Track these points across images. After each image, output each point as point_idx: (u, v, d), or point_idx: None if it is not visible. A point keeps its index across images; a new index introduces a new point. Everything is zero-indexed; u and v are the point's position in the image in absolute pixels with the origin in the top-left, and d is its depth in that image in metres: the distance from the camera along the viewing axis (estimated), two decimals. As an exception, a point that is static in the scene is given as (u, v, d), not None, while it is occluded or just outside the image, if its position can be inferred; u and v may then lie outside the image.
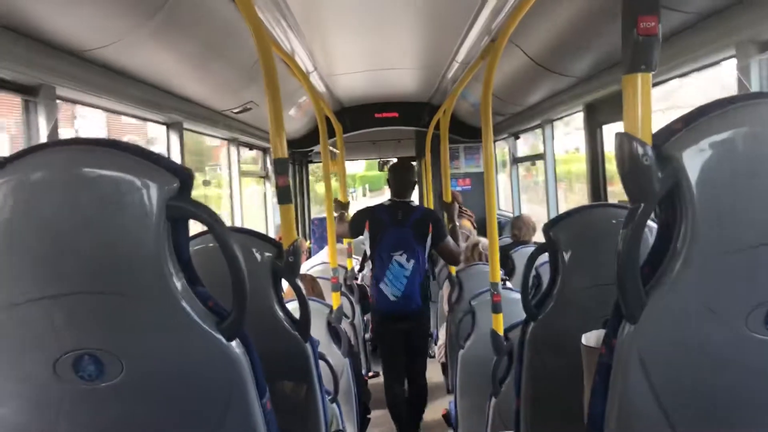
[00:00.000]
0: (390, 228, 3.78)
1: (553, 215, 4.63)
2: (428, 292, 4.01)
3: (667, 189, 0.99)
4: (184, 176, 1.07)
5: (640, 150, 0.98)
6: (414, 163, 5.35)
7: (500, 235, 4.69)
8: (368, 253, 3.97)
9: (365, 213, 3.95)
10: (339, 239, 4.37)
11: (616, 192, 3.66)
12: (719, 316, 1.01)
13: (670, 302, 1.02)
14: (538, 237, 4.24)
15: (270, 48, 1.86)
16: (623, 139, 0.99)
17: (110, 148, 1.06)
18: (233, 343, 1.12)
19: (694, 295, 1.02)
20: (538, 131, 4.91)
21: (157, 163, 1.07)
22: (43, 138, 2.32)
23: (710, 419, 1.06)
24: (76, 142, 1.08)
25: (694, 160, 0.99)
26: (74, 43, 2.31)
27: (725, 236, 1.00)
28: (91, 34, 2.33)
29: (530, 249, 3.92)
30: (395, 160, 8.60)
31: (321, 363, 2.03)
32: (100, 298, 1.06)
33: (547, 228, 1.81)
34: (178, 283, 1.08)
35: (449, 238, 3.87)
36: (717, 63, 2.39)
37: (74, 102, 2.74)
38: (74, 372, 1.07)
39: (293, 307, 1.88)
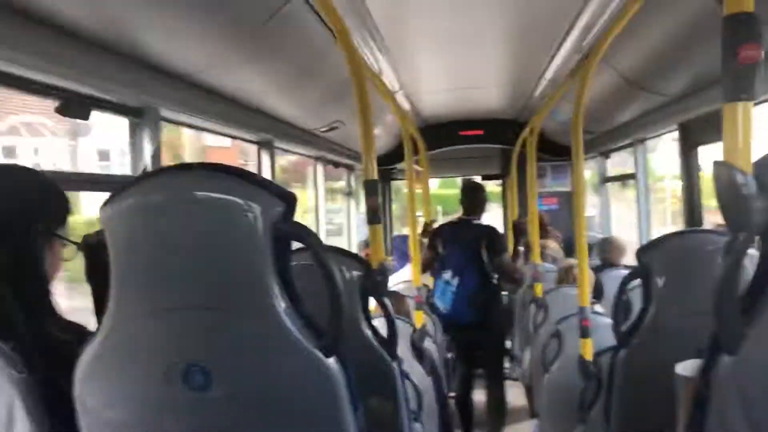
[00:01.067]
0: (449, 248, 4.03)
1: (644, 239, 4.48)
2: (489, 306, 4.10)
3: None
4: (288, 200, 1.14)
5: (740, 179, 0.96)
6: (483, 183, 5.35)
7: (589, 257, 4.57)
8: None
9: (436, 232, 4.22)
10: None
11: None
12: None
13: None
14: (628, 260, 4.11)
15: (362, 70, 1.92)
16: (722, 168, 0.97)
17: (221, 173, 1.14)
18: (331, 360, 1.17)
19: None
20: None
21: (265, 187, 1.14)
22: (147, 158, 2.47)
23: None
24: (191, 167, 1.17)
25: None
26: (177, 67, 2.45)
27: None
28: (192, 58, 2.47)
29: (619, 272, 3.83)
30: (479, 178, 8.59)
31: (406, 382, 2.05)
32: (209, 313, 1.14)
33: (641, 253, 1.77)
34: (282, 302, 1.13)
35: (505, 256, 4.05)
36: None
37: (176, 123, 2.90)
38: (183, 382, 1.15)
39: (380, 324, 1.91)
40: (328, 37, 2.90)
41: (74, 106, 2.10)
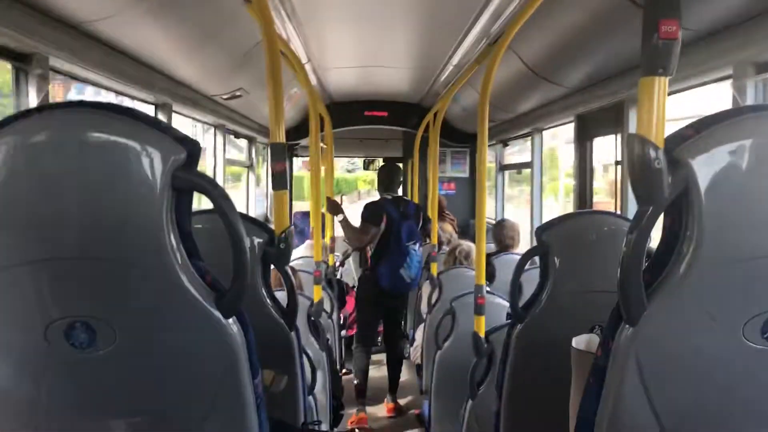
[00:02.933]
0: (401, 221, 4.38)
1: (537, 223, 4.66)
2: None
3: (676, 194, 0.99)
4: (191, 147, 1.05)
5: (652, 153, 0.98)
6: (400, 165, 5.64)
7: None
8: (373, 243, 4.45)
9: (379, 206, 4.45)
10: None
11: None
12: (718, 324, 1.02)
13: (671, 306, 1.03)
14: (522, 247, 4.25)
15: (274, 33, 1.84)
16: (636, 141, 0.99)
17: (117, 114, 1.04)
18: (230, 321, 1.10)
19: (695, 301, 1.02)
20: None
21: (165, 131, 1.05)
22: (32, 109, 2.27)
23: (701, 425, 1.07)
24: (82, 104, 1.06)
25: (703, 167, 0.99)
26: (71, 14, 2.27)
27: (729, 245, 1.01)
28: (89, 6, 2.29)
29: (510, 257, 3.96)
30: (381, 160, 8.63)
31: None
32: (95, 264, 1.04)
33: (540, 231, 1.82)
34: (178, 255, 1.05)
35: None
36: (713, 82, 2.42)
37: (66, 75, 2.69)
38: (66, 339, 1.05)
39: (280, 296, 1.86)
40: (237, 1, 2.78)
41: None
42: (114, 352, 1.06)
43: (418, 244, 4.43)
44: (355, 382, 4.59)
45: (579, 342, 1.42)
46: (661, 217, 1.04)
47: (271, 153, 1.78)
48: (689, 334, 1.03)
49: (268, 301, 1.76)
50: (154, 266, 1.05)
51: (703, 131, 1.01)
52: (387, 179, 4.57)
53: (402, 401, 4.85)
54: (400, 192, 4.96)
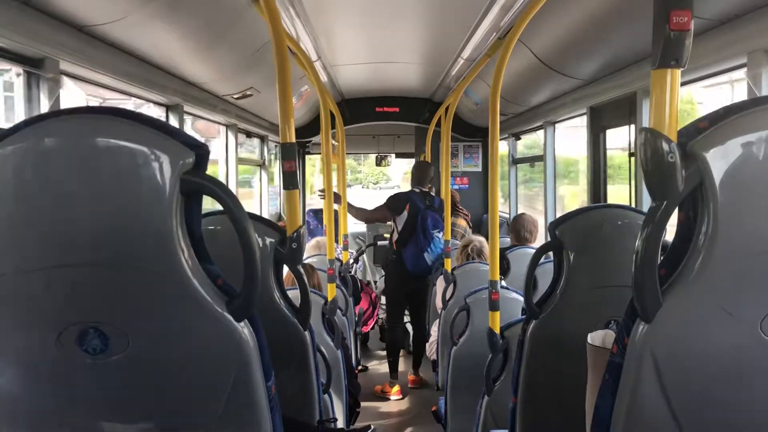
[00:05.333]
0: (427, 211, 4.90)
1: (551, 218, 4.63)
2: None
3: (691, 188, 0.98)
4: (199, 150, 1.05)
5: (666, 147, 0.96)
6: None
7: (497, 234, 4.68)
8: (398, 229, 4.97)
9: (405, 196, 5.01)
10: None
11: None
12: (734, 319, 1.00)
13: (686, 302, 1.01)
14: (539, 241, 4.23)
15: (282, 31, 1.83)
16: (648, 135, 0.98)
17: (125, 119, 1.04)
18: (241, 324, 1.10)
19: (711, 297, 1.01)
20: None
21: (173, 136, 1.04)
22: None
23: (717, 421, 1.05)
24: (91, 110, 1.06)
25: (718, 160, 0.97)
26: (80, 18, 2.28)
27: (745, 239, 0.99)
28: (97, 10, 2.30)
29: (525, 251, 3.93)
30: (393, 155, 8.61)
31: (317, 354, 2.01)
32: (108, 270, 1.04)
33: (553, 227, 1.80)
34: (189, 259, 1.05)
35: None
36: (728, 71, 2.38)
37: (77, 78, 2.70)
38: (78, 345, 1.05)
39: (293, 295, 1.85)
40: (245, 1, 2.78)
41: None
42: (127, 357, 1.06)
43: (441, 233, 4.88)
44: (390, 359, 5.14)
45: (594, 338, 1.41)
46: (676, 211, 1.03)
47: (282, 153, 1.77)
48: (706, 330, 1.02)
49: (281, 300, 1.76)
50: (165, 271, 1.05)
51: (718, 123, 0.99)
52: (418, 174, 5.13)
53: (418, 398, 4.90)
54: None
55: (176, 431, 1.13)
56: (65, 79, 2.54)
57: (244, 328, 1.10)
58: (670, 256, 1.04)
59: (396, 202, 4.98)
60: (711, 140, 0.98)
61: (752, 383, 1.04)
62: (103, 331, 1.05)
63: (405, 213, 4.91)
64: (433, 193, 5.22)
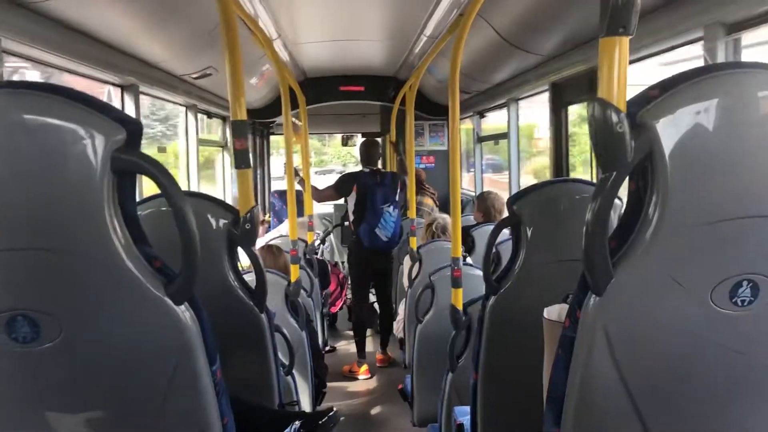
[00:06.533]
0: (376, 188, 4.97)
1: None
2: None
3: (640, 158, 0.96)
4: (131, 127, 1.00)
5: (615, 117, 0.95)
6: (378, 140, 5.82)
7: (463, 212, 4.69)
8: (351, 210, 5.08)
9: (352, 177, 5.13)
10: (300, 213, 4.99)
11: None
12: (685, 290, 1.00)
13: (637, 274, 1.00)
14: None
15: (231, 5, 1.77)
16: (597, 105, 0.96)
17: (52, 94, 0.98)
18: (182, 308, 1.06)
19: (661, 268, 1.00)
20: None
21: (103, 112, 0.99)
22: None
23: (670, 393, 1.05)
24: (14, 85, 1.00)
25: (668, 129, 0.96)
26: (23, -7, 2.18)
27: (695, 209, 0.98)
28: (40, -16, 2.20)
29: (491, 227, 3.93)
30: (359, 135, 8.56)
31: (277, 335, 1.98)
32: (37, 254, 0.99)
33: (511, 202, 1.79)
34: (122, 241, 1.01)
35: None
36: (684, 45, 2.38)
37: (22, 57, 2.59)
38: (7, 334, 1.00)
39: (252, 278, 1.82)
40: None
41: None
42: (59, 345, 1.02)
43: (392, 207, 4.98)
44: (357, 339, 5.18)
45: (551, 312, 1.40)
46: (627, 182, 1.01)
47: (233, 130, 1.72)
48: (657, 301, 1.01)
49: (235, 283, 1.72)
50: (98, 253, 1.00)
51: (668, 92, 0.98)
52: (366, 153, 5.17)
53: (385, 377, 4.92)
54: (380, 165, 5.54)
55: (117, 418, 1.09)
56: (11, 60, 2.44)
57: (185, 312, 1.06)
58: (620, 228, 1.03)
59: (343, 183, 5.12)
60: (661, 109, 0.97)
61: (703, 354, 1.04)
62: (33, 319, 1.00)
63: (354, 193, 5.02)
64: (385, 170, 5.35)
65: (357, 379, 5.03)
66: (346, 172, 5.50)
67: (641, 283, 1.01)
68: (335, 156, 27.41)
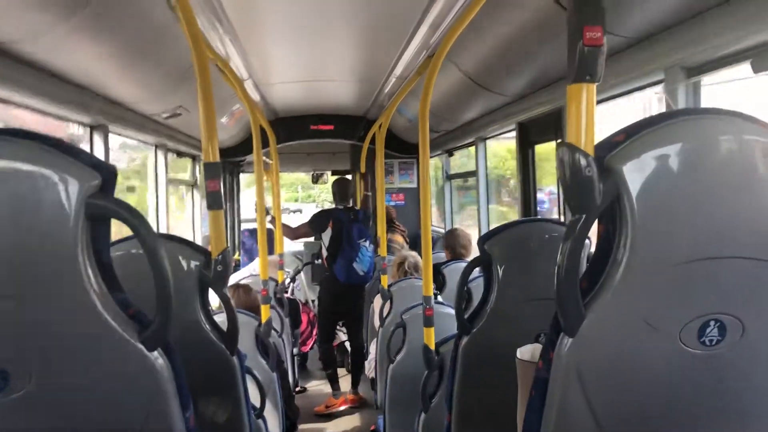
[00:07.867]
0: (351, 224, 5.10)
1: (484, 232, 4.68)
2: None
3: (608, 201, 0.99)
4: (106, 173, 0.99)
5: (583, 161, 0.97)
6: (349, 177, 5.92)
7: (433, 249, 4.71)
8: (326, 245, 5.15)
9: (327, 213, 5.30)
10: (271, 251, 5.04)
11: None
12: (655, 330, 1.02)
13: (608, 315, 1.02)
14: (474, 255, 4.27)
15: (204, 50, 1.79)
16: (566, 149, 0.99)
17: (24, 139, 0.97)
18: (155, 353, 1.04)
19: (632, 309, 1.02)
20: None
21: (77, 157, 0.99)
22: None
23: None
24: None
25: (634, 172, 0.99)
26: (-8, 35, 2.17)
27: (663, 250, 1.01)
28: (10, 27, 2.19)
29: (461, 265, 3.96)
30: (329, 173, 8.60)
31: (248, 377, 1.95)
32: (8, 302, 0.97)
33: (482, 241, 1.81)
34: (96, 288, 0.99)
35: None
36: (646, 87, 2.46)
37: (-11, 98, 2.57)
38: None
39: (222, 319, 1.80)
40: (171, 17, 2.71)
41: None
42: (28, 395, 0.99)
43: (368, 242, 5.12)
44: (328, 372, 5.23)
45: (524, 353, 1.41)
46: (596, 224, 1.04)
47: (205, 172, 1.72)
48: (628, 341, 1.03)
49: (206, 326, 1.70)
50: (72, 302, 0.99)
51: (634, 136, 1.01)
52: (339, 192, 5.35)
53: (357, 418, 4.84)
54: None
55: None
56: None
57: (158, 358, 1.05)
58: (591, 269, 1.05)
59: (319, 219, 5.27)
60: (627, 154, 1.00)
61: (676, 393, 1.05)
62: (3, 368, 0.97)
63: (329, 229, 5.14)
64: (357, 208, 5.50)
65: (332, 415, 4.97)
66: (322, 209, 5.58)
67: (612, 323, 1.02)
68: (324, 190, 27.33)
